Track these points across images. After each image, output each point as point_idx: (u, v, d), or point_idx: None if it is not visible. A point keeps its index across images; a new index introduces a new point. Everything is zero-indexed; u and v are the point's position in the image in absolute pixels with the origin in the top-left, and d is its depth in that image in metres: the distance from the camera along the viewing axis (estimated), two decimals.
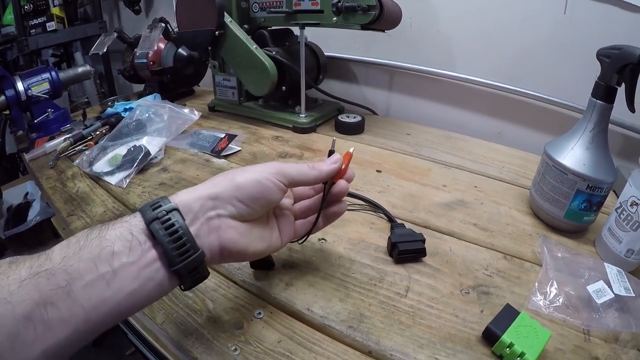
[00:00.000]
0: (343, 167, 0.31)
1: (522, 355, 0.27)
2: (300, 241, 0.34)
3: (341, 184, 0.31)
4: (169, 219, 0.23)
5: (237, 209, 0.26)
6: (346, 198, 0.48)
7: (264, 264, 0.36)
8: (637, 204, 0.35)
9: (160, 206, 0.24)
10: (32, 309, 0.19)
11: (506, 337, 0.28)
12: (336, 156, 0.31)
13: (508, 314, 0.30)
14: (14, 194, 1.10)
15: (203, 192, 0.26)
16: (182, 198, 0.25)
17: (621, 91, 0.39)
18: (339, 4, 0.59)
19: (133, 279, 0.22)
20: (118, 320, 0.22)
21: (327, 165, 0.30)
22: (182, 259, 0.23)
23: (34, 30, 1.27)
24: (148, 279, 0.22)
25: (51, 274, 0.20)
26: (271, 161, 0.31)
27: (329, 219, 0.34)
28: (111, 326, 0.22)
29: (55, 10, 1.29)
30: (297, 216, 0.33)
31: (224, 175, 0.27)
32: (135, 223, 0.23)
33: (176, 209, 0.24)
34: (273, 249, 0.30)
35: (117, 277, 0.21)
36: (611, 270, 0.36)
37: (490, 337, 0.29)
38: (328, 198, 0.32)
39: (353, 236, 0.42)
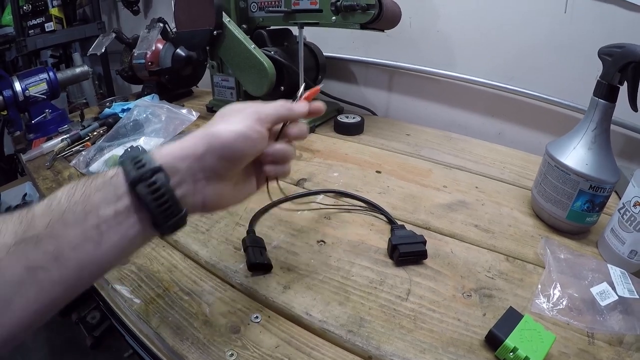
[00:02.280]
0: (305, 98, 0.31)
1: (526, 359, 0.26)
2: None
3: (301, 127, 0.31)
4: (155, 182, 0.22)
5: (223, 168, 0.26)
6: (345, 199, 0.48)
7: (261, 267, 0.35)
8: None
9: (143, 165, 0.23)
10: (22, 275, 0.19)
11: (510, 341, 0.27)
12: (304, 102, 0.31)
13: (511, 317, 0.29)
14: (12, 195, 1.09)
15: (189, 151, 0.24)
16: (165, 157, 0.24)
17: (623, 90, 0.38)
18: (338, 3, 0.58)
19: (120, 238, 0.22)
20: (107, 272, 0.24)
21: (297, 106, 0.30)
22: (167, 219, 0.23)
23: (32, 31, 1.26)
24: (134, 236, 0.23)
25: (38, 240, 0.20)
26: (247, 103, 0.29)
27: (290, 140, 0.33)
28: (101, 277, 0.23)
29: (54, 11, 1.29)
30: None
31: (206, 128, 0.26)
32: (119, 183, 0.23)
33: (162, 170, 0.23)
34: (248, 196, 0.31)
35: (105, 239, 0.22)
36: (614, 271, 0.35)
37: (493, 341, 0.28)
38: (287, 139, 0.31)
39: (353, 238, 0.41)
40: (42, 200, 0.22)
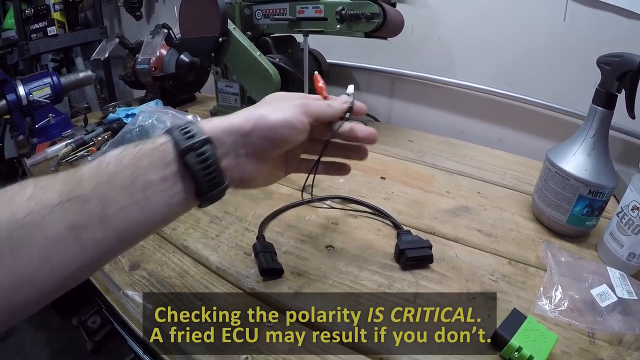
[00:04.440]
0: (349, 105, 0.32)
1: (530, 358, 0.27)
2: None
3: (366, 128, 0.32)
4: (204, 153, 0.23)
5: (265, 149, 0.27)
6: (352, 205, 0.49)
7: (272, 272, 0.36)
8: (638, 209, 0.36)
9: (193, 135, 0.23)
10: (64, 233, 0.20)
11: (515, 341, 0.28)
12: (345, 97, 0.32)
13: (515, 319, 0.30)
14: None
15: (235, 126, 0.26)
16: (213, 128, 0.25)
17: (621, 98, 0.39)
18: (343, 11, 0.60)
19: (164, 204, 0.23)
20: (148, 236, 0.25)
21: (339, 104, 0.31)
22: (210, 190, 0.24)
23: (34, 35, 1.27)
24: (177, 204, 0.24)
25: (85, 200, 0.20)
26: (295, 94, 0.30)
27: (330, 169, 0.35)
28: (140, 241, 0.24)
29: (56, 15, 1.29)
30: (306, 151, 0.34)
31: (254, 109, 0.27)
32: (168, 150, 0.23)
33: (210, 142, 0.24)
34: (278, 180, 0.32)
35: (150, 203, 0.22)
36: (614, 274, 0.36)
37: (498, 341, 0.29)
38: (351, 144, 0.33)
39: (360, 243, 0.42)
40: (90, 162, 0.22)
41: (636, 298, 0.34)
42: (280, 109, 0.27)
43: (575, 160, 0.41)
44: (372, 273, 0.37)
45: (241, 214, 0.47)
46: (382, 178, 0.57)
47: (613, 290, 0.34)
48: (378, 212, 0.47)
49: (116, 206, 0.21)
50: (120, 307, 0.37)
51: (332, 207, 0.49)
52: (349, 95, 0.33)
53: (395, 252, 0.40)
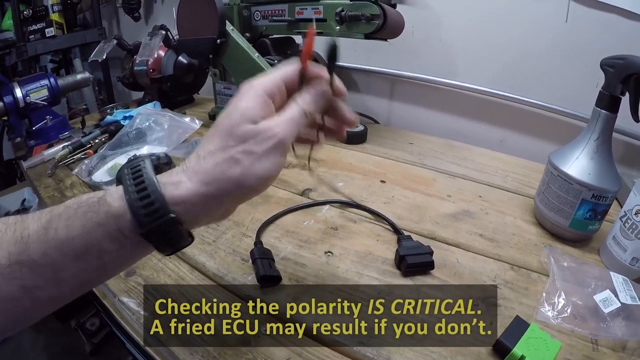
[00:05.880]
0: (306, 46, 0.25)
1: None
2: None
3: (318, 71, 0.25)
4: (169, 233, 0.21)
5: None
6: (352, 210, 0.48)
7: (270, 279, 0.36)
8: None
9: (155, 209, 0.20)
10: (17, 292, 0.20)
11: (517, 350, 0.28)
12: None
13: (518, 326, 0.30)
14: (10, 201, 1.08)
15: (207, 196, 0.22)
16: (177, 199, 0.21)
17: (625, 100, 0.39)
18: (343, 13, 0.59)
19: (124, 263, 0.23)
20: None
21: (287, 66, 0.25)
22: (176, 250, 0.23)
23: (33, 36, 1.26)
24: (138, 258, 0.24)
25: (35, 265, 0.20)
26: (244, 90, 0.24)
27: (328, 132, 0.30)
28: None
29: (55, 16, 1.29)
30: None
31: (224, 166, 0.22)
32: (126, 225, 0.21)
33: (177, 222, 0.21)
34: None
35: (107, 265, 0.22)
36: (617, 279, 0.36)
37: (501, 350, 0.29)
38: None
39: (360, 249, 0.41)
40: (37, 219, 0.21)
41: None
42: (258, 159, 0.22)
43: (579, 164, 0.41)
44: (371, 279, 0.37)
45: (238, 219, 0.47)
46: (382, 182, 0.56)
47: (616, 296, 0.34)
48: (378, 217, 0.46)
49: (70, 271, 0.20)
50: (117, 312, 0.37)
51: (332, 210, 0.48)
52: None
53: (395, 258, 0.39)
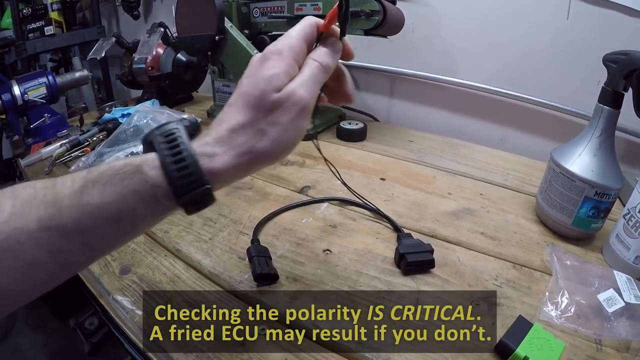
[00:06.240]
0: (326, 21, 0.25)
1: None
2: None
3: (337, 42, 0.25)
4: (203, 200, 0.22)
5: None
6: (351, 207, 0.48)
7: (267, 277, 0.35)
8: None
9: (194, 181, 0.21)
10: (45, 258, 0.20)
11: (520, 351, 0.27)
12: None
13: (521, 326, 0.29)
14: None
15: (237, 168, 0.23)
16: (214, 172, 0.22)
17: (627, 97, 0.38)
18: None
19: (153, 223, 0.24)
20: None
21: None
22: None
23: (32, 35, 1.26)
24: (165, 216, 0.24)
25: (67, 230, 0.20)
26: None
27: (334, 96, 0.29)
28: None
29: (54, 15, 1.28)
30: None
31: (248, 136, 0.22)
32: (162, 192, 0.21)
33: (210, 194, 0.22)
34: None
35: (138, 230, 0.24)
36: (620, 278, 0.35)
37: (503, 350, 0.28)
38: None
39: (359, 247, 0.41)
40: (69, 185, 0.21)
41: None
42: (284, 129, 0.23)
43: (581, 161, 0.40)
44: (371, 278, 0.36)
45: (235, 216, 0.46)
46: (381, 179, 0.55)
47: (620, 295, 0.33)
48: (378, 215, 0.46)
49: (101, 236, 0.21)
50: (112, 311, 0.36)
51: (331, 207, 0.47)
52: None
53: (395, 256, 0.38)
